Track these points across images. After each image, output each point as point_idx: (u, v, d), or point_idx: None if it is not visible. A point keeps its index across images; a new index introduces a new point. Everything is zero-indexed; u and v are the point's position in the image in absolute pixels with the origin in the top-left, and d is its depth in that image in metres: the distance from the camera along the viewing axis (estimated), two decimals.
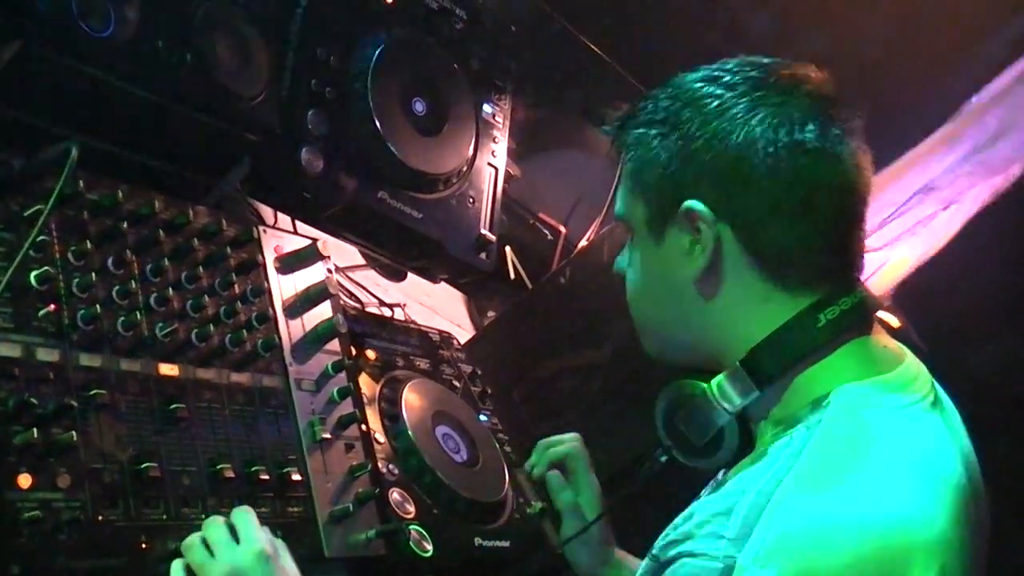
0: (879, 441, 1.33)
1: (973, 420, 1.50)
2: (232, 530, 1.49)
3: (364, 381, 2.04)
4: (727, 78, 1.45)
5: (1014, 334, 2.32)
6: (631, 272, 1.59)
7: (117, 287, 1.65)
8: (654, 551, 1.45)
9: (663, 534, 1.46)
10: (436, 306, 2.78)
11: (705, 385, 1.49)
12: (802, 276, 1.43)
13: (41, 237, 1.56)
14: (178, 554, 1.48)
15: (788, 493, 1.28)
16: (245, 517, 1.52)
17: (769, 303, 1.44)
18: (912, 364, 1.48)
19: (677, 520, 1.44)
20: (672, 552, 1.38)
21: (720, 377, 1.47)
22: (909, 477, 1.31)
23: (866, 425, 1.35)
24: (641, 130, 1.49)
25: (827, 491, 1.28)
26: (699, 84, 1.46)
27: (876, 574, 1.23)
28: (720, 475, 1.55)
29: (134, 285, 1.68)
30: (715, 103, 1.43)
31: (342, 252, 2.51)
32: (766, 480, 1.32)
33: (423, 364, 2.30)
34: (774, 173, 1.39)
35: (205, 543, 1.47)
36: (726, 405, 1.47)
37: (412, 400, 2.08)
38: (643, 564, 1.48)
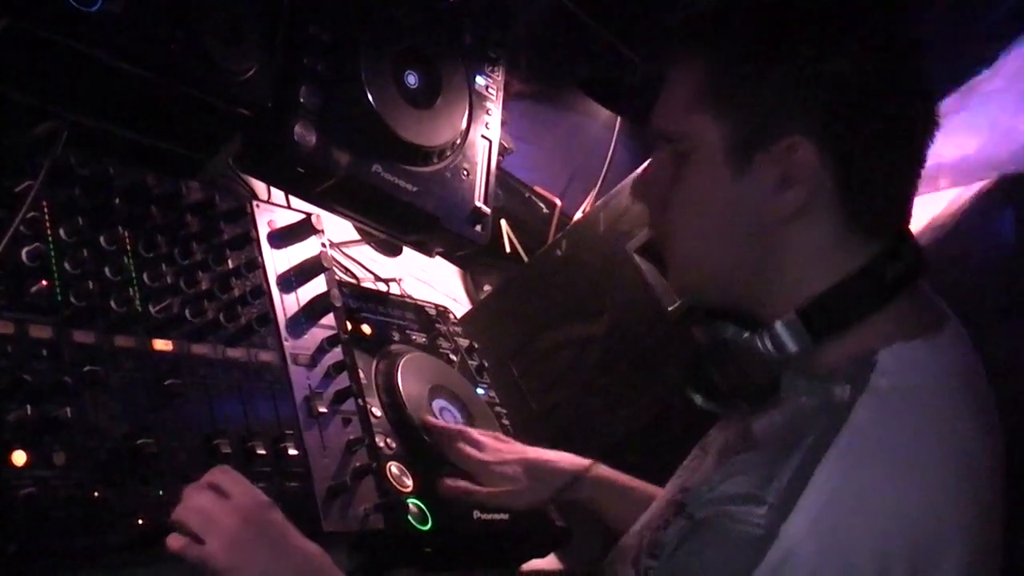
0: (930, 420, 1.31)
1: None
2: (216, 490, 1.48)
3: (360, 356, 2.03)
4: (829, 10, 1.34)
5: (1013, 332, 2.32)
6: (681, 202, 1.45)
7: (109, 263, 1.64)
8: (688, 508, 1.40)
9: (697, 492, 1.41)
10: (432, 280, 2.77)
11: (748, 330, 1.43)
12: (879, 221, 1.38)
13: (32, 213, 1.55)
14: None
15: (838, 463, 1.25)
16: (227, 472, 1.52)
17: (840, 248, 1.38)
18: (956, 326, 1.44)
19: (714, 476, 1.39)
20: (707, 512, 1.33)
21: (777, 325, 1.39)
22: (954, 461, 1.30)
23: (918, 399, 1.32)
24: (739, 37, 1.37)
25: (878, 469, 1.26)
26: (796, 8, 1.35)
27: (911, 562, 1.23)
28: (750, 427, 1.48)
29: (126, 261, 1.67)
30: (828, 27, 1.33)
31: (337, 227, 2.51)
32: (810, 443, 1.28)
33: (419, 338, 2.30)
34: (888, 108, 1.33)
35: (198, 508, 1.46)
36: (777, 354, 1.40)
37: (409, 374, 2.08)
38: (676, 523, 1.42)
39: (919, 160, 1.39)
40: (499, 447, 2.03)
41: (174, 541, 1.44)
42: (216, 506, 1.46)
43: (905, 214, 1.43)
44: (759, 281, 1.43)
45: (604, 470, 1.96)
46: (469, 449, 1.98)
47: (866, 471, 1.26)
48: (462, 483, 1.93)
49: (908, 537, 1.24)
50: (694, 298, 1.55)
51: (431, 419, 2.02)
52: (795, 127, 1.32)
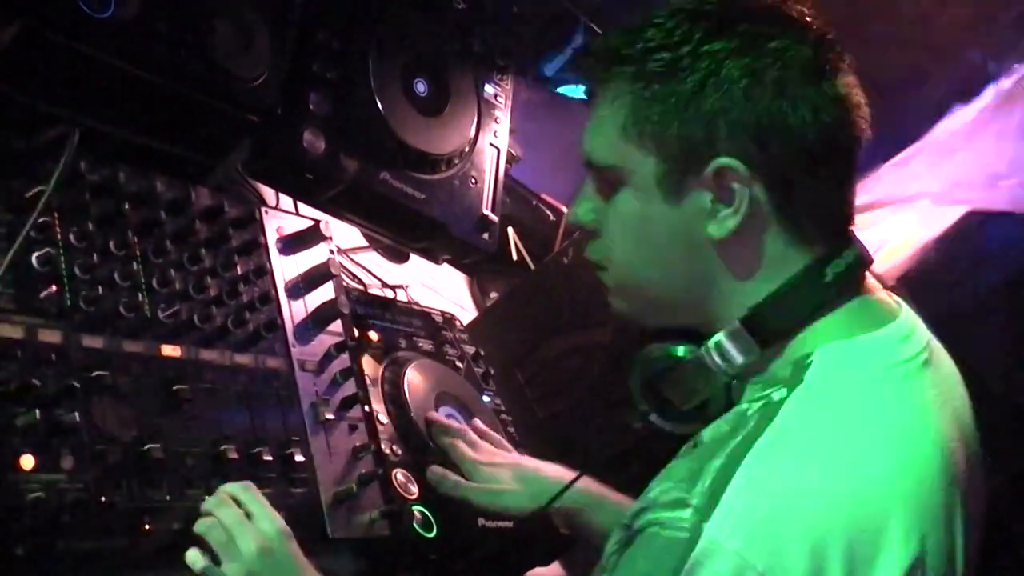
0: (857, 406, 1.30)
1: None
2: (238, 505, 1.50)
3: (367, 362, 2.04)
4: (743, 25, 1.34)
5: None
6: (616, 229, 1.45)
7: (119, 268, 1.65)
8: (625, 520, 1.38)
9: (635, 503, 1.40)
10: (439, 287, 2.78)
11: (695, 347, 1.43)
12: (818, 230, 1.38)
13: (43, 218, 1.56)
14: (181, 535, 1.48)
15: (759, 459, 1.25)
16: (253, 495, 1.53)
17: (783, 259, 1.38)
18: (906, 321, 1.43)
19: (650, 484, 1.38)
20: (641, 521, 1.32)
21: (719, 337, 1.39)
22: (886, 445, 1.28)
23: (846, 388, 1.32)
24: (652, 66, 1.35)
25: (799, 459, 1.25)
26: (713, 25, 1.34)
27: (848, 547, 1.21)
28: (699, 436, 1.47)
29: (136, 266, 1.68)
30: (743, 46, 1.32)
31: (344, 234, 2.51)
32: (736, 443, 1.28)
33: (426, 345, 2.30)
34: (813, 124, 1.32)
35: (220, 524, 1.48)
36: (725, 367, 1.39)
37: (415, 381, 2.08)
38: (615, 534, 1.40)
39: (852, 166, 1.40)
40: (493, 450, 2.04)
41: (195, 558, 1.47)
42: (239, 528, 1.48)
43: (844, 217, 1.43)
44: (704, 301, 1.44)
45: (591, 484, 1.95)
46: (463, 446, 1.99)
47: (790, 464, 1.25)
48: (450, 473, 1.94)
49: (842, 528, 1.22)
50: (639, 321, 1.55)
51: (433, 414, 2.03)
52: (721, 151, 1.32)
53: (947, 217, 2.59)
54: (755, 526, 1.21)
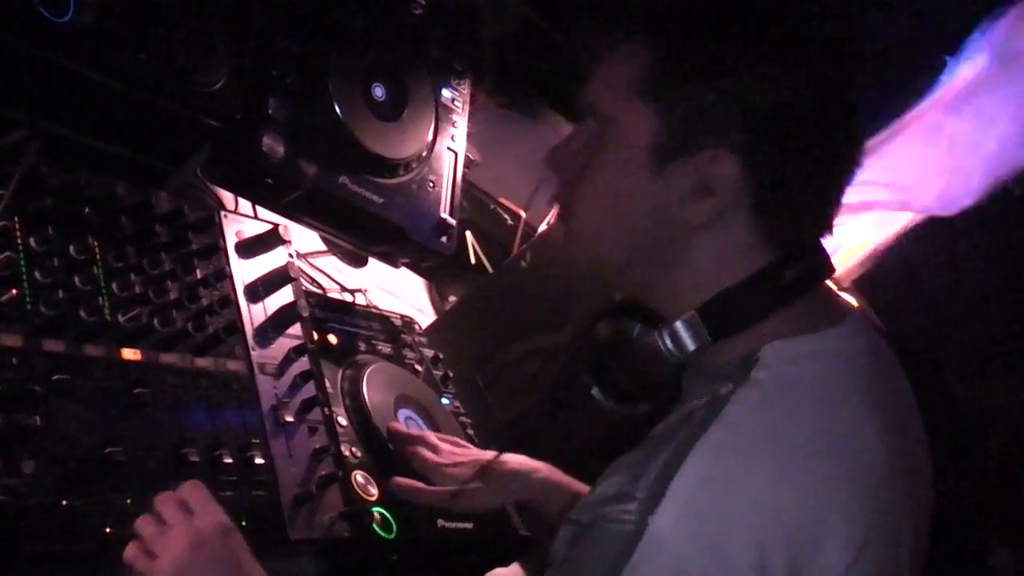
0: (801, 405, 1.32)
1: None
2: (183, 505, 1.47)
3: (326, 365, 2.04)
4: (778, 25, 1.34)
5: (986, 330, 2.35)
6: (592, 180, 1.44)
7: (79, 272, 1.65)
8: (572, 515, 1.40)
9: (583, 498, 1.42)
10: (398, 291, 2.78)
11: (648, 328, 1.45)
12: (791, 232, 1.39)
13: (2, 223, 1.56)
14: None
15: (704, 454, 1.26)
16: (198, 489, 1.50)
17: (746, 252, 1.39)
18: (854, 322, 1.44)
19: (598, 480, 1.40)
20: (588, 515, 1.33)
21: (678, 323, 1.40)
22: (828, 444, 1.30)
23: (790, 387, 1.33)
24: (692, 37, 1.34)
25: (743, 456, 1.27)
26: (758, 13, 1.34)
27: (790, 545, 1.23)
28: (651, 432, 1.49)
29: (96, 270, 1.68)
30: (778, 50, 1.32)
31: (303, 239, 2.52)
32: (683, 436, 1.29)
33: (385, 348, 2.31)
34: (822, 140, 1.34)
35: (158, 519, 1.45)
36: (676, 352, 1.40)
37: (374, 383, 2.09)
38: (562, 529, 1.41)
39: (840, 184, 1.41)
40: (454, 450, 2.05)
41: (129, 549, 1.43)
42: (175, 522, 1.44)
43: (818, 227, 1.44)
44: (660, 278, 1.44)
45: (553, 472, 1.97)
46: (425, 452, 1.99)
47: (736, 460, 1.26)
48: (413, 482, 1.95)
49: (784, 526, 1.23)
50: (595, 276, 1.54)
51: (395, 424, 2.04)
52: (722, 141, 1.32)
53: (901, 220, 2.61)
54: (698, 520, 1.23)
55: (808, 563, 1.25)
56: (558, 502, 1.93)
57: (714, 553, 1.22)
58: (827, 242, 1.48)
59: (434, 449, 2.01)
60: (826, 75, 1.34)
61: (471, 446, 2.13)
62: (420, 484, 1.94)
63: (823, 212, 1.42)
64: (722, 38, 1.34)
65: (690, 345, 1.40)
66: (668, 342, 1.41)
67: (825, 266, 1.45)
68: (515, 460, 1.98)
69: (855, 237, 2.63)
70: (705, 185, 1.35)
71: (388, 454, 1.99)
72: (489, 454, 2.05)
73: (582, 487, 1.94)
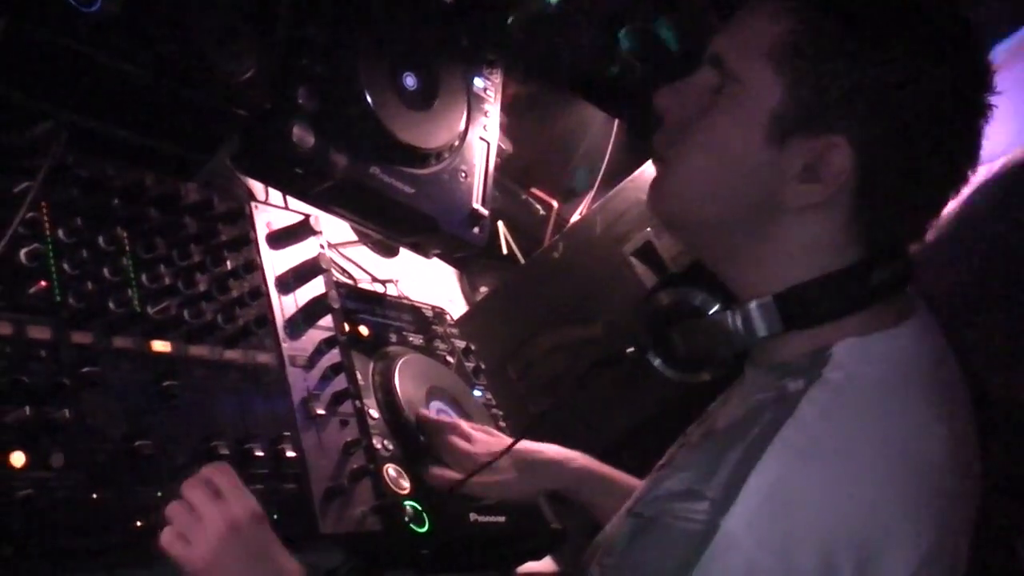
0: (873, 409, 1.30)
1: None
2: (213, 491, 1.47)
3: (357, 357, 2.03)
4: (916, 21, 1.28)
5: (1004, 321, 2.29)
6: (703, 133, 1.38)
7: (108, 264, 1.64)
8: (636, 508, 1.38)
9: (647, 490, 1.40)
10: (429, 282, 2.77)
11: (719, 303, 1.43)
12: (886, 236, 1.36)
13: (30, 214, 1.55)
14: None
15: (777, 456, 1.24)
16: (228, 474, 1.49)
17: (833, 246, 1.35)
18: (921, 318, 1.42)
19: (662, 474, 1.38)
20: (653, 510, 1.31)
21: (752, 307, 1.37)
22: (900, 449, 1.28)
23: (863, 389, 1.30)
24: (843, 17, 1.27)
25: (815, 460, 1.25)
26: (927, 9, 1.28)
27: (858, 549, 1.22)
28: (712, 421, 1.47)
29: (125, 262, 1.67)
30: (927, 49, 1.27)
31: (334, 229, 2.50)
32: (754, 435, 1.27)
33: (416, 340, 2.30)
34: (938, 162, 1.30)
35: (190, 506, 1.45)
36: (745, 336, 1.38)
37: (406, 375, 2.08)
38: (627, 522, 1.39)
39: (947, 194, 1.36)
40: (488, 440, 2.03)
41: (164, 535, 1.43)
42: (207, 508, 1.44)
43: (913, 236, 1.41)
44: (745, 252, 1.40)
45: (590, 462, 1.95)
46: (459, 441, 1.98)
47: (807, 464, 1.24)
48: (448, 472, 1.93)
49: (852, 530, 1.22)
50: (677, 231, 1.51)
51: (425, 412, 2.02)
52: (844, 130, 1.28)
53: None
54: (770, 523, 1.21)
55: (874, 570, 1.23)
56: (596, 491, 1.92)
57: (783, 556, 1.21)
58: None
59: (467, 438, 2.00)
60: (965, 78, 1.30)
61: (503, 435, 2.11)
62: (453, 473, 1.92)
63: (922, 220, 1.39)
64: (871, 24, 1.28)
65: (761, 331, 1.37)
66: (738, 323, 1.39)
67: (909, 271, 1.41)
68: (550, 449, 1.96)
69: None
70: (813, 169, 1.31)
71: (419, 444, 1.97)
72: (525, 443, 2.03)
73: (620, 475, 1.93)
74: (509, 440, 2.05)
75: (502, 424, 2.26)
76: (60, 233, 1.60)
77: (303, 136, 1.96)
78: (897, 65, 1.26)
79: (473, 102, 2.36)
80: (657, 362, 1.53)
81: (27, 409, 1.41)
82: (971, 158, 1.34)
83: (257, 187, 2.24)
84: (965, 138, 1.32)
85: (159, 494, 1.52)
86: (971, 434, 1.43)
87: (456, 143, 2.29)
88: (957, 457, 1.35)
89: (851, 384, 1.30)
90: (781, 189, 1.33)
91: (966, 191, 1.40)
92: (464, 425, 2.03)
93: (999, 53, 2.36)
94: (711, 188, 1.39)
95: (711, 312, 1.44)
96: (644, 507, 1.35)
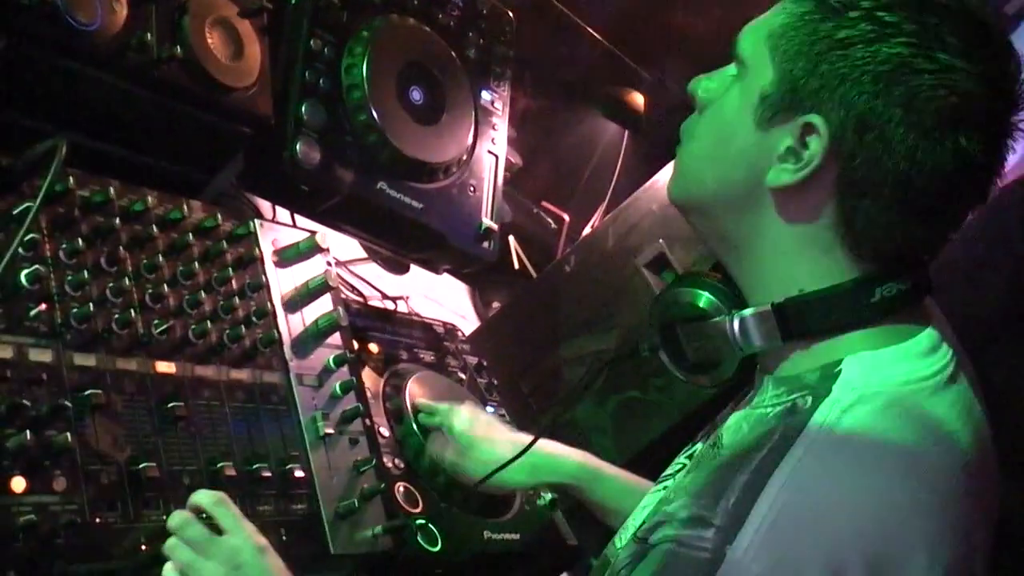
0: (885, 427, 1.25)
1: None
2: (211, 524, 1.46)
3: (367, 375, 2.02)
4: (933, 19, 1.24)
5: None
6: (713, 116, 1.41)
7: (111, 285, 1.62)
8: (639, 533, 1.36)
9: (651, 512, 1.38)
10: (440, 298, 2.75)
11: (723, 308, 1.40)
12: (876, 250, 1.32)
13: (31, 235, 1.53)
14: None
15: (785, 480, 1.21)
16: (224, 508, 1.48)
17: (828, 256, 1.33)
18: (933, 333, 1.37)
19: (668, 496, 1.37)
20: (657, 536, 1.29)
21: (747, 312, 1.36)
22: (913, 468, 1.24)
23: (874, 406, 1.26)
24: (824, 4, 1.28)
25: (827, 483, 1.21)
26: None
27: (872, 566, 1.18)
28: (719, 437, 1.44)
29: (128, 282, 1.64)
30: (912, 38, 1.23)
31: (343, 246, 2.49)
32: (762, 456, 1.24)
33: (428, 356, 2.28)
34: (919, 157, 1.24)
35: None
36: (742, 344, 1.37)
37: (417, 393, 2.06)
38: (627, 546, 1.38)
39: (936, 220, 1.32)
40: (489, 426, 2.01)
41: (167, 572, 1.41)
42: (205, 546, 1.43)
43: (914, 249, 1.36)
44: (740, 244, 1.40)
45: (589, 458, 1.94)
46: (461, 421, 1.97)
47: (817, 489, 1.21)
48: (449, 446, 1.92)
49: (865, 556, 1.18)
50: (689, 207, 1.50)
51: (420, 399, 2.01)
52: (822, 110, 1.27)
53: None
54: (778, 552, 1.18)
55: None
56: (596, 488, 1.90)
57: None
58: None
59: (469, 422, 1.98)
60: (963, 77, 1.24)
61: (506, 426, 2.09)
62: (453, 452, 1.92)
63: (930, 231, 1.34)
64: (862, 13, 1.26)
65: (758, 341, 1.36)
66: (736, 331, 1.38)
67: (921, 288, 1.37)
68: (549, 444, 1.94)
69: None
70: (794, 151, 1.30)
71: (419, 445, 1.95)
72: (523, 435, 2.02)
73: (622, 473, 1.91)
74: (508, 430, 2.03)
75: None
76: (61, 254, 1.58)
77: (309, 153, 1.95)
78: (880, 55, 1.24)
79: (481, 116, 2.34)
80: (666, 360, 1.51)
81: (28, 434, 1.38)
82: (980, 168, 1.29)
83: (264, 205, 2.23)
84: (963, 143, 1.25)
85: (165, 518, 1.48)
86: (988, 447, 1.39)
87: (464, 157, 2.28)
88: (974, 472, 1.31)
89: (861, 402, 1.26)
90: (765, 171, 1.33)
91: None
92: (465, 412, 2.02)
93: None
94: (707, 167, 1.41)
95: (713, 317, 1.42)
96: (647, 532, 1.33)
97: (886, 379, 1.29)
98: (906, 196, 1.27)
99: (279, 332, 1.85)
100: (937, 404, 1.31)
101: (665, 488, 1.53)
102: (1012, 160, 1.37)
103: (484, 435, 1.96)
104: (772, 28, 1.33)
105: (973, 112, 1.24)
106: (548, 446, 1.93)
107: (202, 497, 1.48)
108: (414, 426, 1.98)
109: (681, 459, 1.60)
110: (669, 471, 1.59)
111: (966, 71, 1.23)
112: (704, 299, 1.44)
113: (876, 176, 1.27)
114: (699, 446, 1.54)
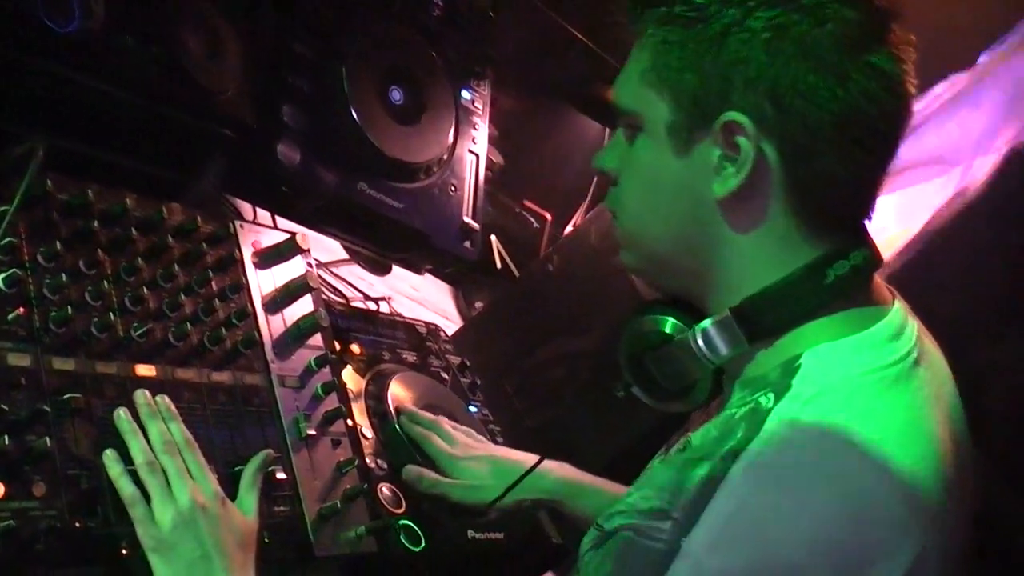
0: (846, 418, 1.24)
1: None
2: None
3: (349, 376, 2.01)
4: None
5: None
6: (630, 176, 1.42)
7: (90, 288, 1.61)
8: (599, 520, 1.37)
9: (611, 505, 1.39)
10: (423, 299, 2.75)
11: (684, 327, 1.39)
12: (828, 218, 1.32)
13: (8, 239, 1.52)
14: None
15: (743, 474, 1.21)
16: (194, 455, 1.53)
17: (787, 247, 1.33)
18: (896, 315, 1.37)
19: (630, 489, 1.37)
20: (614, 524, 1.30)
21: (706, 323, 1.35)
22: (876, 457, 1.22)
23: (834, 398, 1.26)
24: (679, 10, 1.29)
25: (784, 477, 1.21)
26: None
27: (834, 567, 1.17)
28: (688, 439, 1.43)
29: (107, 286, 1.64)
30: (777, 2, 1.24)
31: (325, 247, 2.48)
32: (722, 453, 1.24)
33: (410, 357, 2.27)
34: (841, 93, 1.24)
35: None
36: (710, 356, 1.35)
37: (399, 393, 2.05)
38: (589, 531, 1.39)
39: (883, 154, 1.33)
40: (469, 443, 2.01)
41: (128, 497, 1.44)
42: (180, 480, 1.46)
43: (861, 209, 1.37)
44: (708, 272, 1.39)
45: (571, 471, 1.93)
46: (440, 441, 1.96)
47: (774, 485, 1.21)
48: (425, 471, 1.91)
49: (827, 553, 1.18)
50: (642, 277, 1.51)
51: (407, 405, 2.01)
52: (734, 106, 1.27)
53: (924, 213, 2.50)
54: (734, 546, 1.18)
55: None
56: (579, 502, 1.90)
57: None
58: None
59: (448, 439, 1.97)
60: (824, 26, 1.25)
61: (486, 440, 2.09)
62: (432, 474, 1.91)
63: (863, 188, 1.35)
64: (713, 7, 1.28)
65: (723, 349, 1.35)
66: (701, 344, 1.36)
67: (871, 261, 1.37)
68: (530, 458, 1.94)
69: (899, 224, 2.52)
70: (726, 156, 1.30)
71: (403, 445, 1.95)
72: (502, 449, 2.01)
73: (606, 484, 1.91)
74: (490, 445, 2.04)
75: (499, 440, 2.23)
76: (39, 257, 1.57)
77: (289, 154, 1.95)
78: (756, 27, 1.25)
79: (461, 115, 2.34)
80: (641, 396, 1.50)
81: (6, 438, 1.38)
82: (898, 82, 1.30)
83: (245, 207, 2.22)
84: (874, 60, 1.26)
85: None
86: (962, 428, 1.38)
87: (445, 157, 2.28)
88: (945, 457, 1.29)
89: (820, 395, 1.26)
90: (709, 188, 1.32)
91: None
92: (446, 424, 2.02)
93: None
94: (651, 221, 1.41)
95: (677, 337, 1.41)
96: (605, 520, 1.35)
97: (846, 370, 1.28)
98: (847, 134, 1.27)
99: (260, 334, 1.84)
100: (901, 393, 1.30)
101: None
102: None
103: (463, 454, 1.96)
104: (642, 67, 1.34)
105: (864, 31, 1.26)
106: (527, 461, 1.93)
107: (176, 430, 1.54)
108: (396, 427, 1.97)
109: (654, 463, 1.59)
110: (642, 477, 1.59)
111: (836, 1, 1.24)
112: (664, 324, 1.43)
113: (814, 131, 1.27)
114: (671, 452, 1.54)
